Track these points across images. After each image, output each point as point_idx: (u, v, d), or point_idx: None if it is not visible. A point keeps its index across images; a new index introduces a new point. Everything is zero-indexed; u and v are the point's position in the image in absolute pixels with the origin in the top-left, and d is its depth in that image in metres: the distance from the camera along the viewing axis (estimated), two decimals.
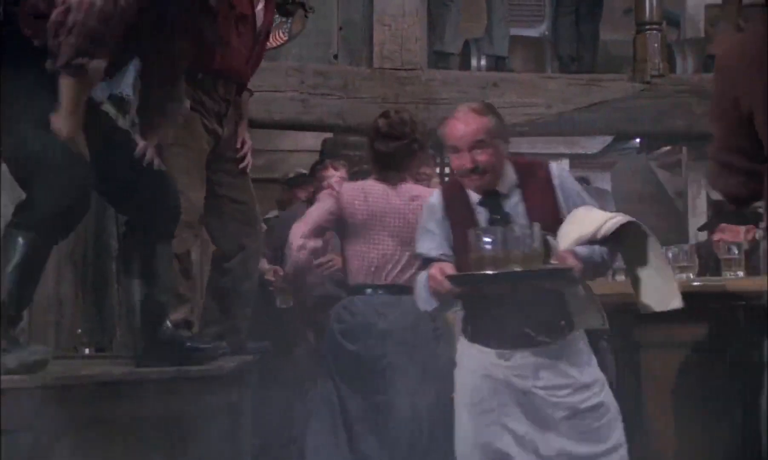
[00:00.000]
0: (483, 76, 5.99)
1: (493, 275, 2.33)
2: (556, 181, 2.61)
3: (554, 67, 6.49)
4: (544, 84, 5.78)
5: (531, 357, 2.49)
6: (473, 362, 2.58)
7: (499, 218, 2.54)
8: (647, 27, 5.76)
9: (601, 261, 2.50)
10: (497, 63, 6.35)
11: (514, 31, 6.75)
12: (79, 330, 4.10)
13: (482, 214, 2.59)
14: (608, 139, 7.78)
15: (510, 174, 2.61)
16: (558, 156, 7.68)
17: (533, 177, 2.62)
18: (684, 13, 7.40)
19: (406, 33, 5.59)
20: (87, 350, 3.96)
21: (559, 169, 2.70)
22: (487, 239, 2.35)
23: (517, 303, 2.46)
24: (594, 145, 8.25)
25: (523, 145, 5.92)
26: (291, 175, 5.44)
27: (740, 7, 6.28)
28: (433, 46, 6.17)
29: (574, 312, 2.52)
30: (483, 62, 6.48)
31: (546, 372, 2.49)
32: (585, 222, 2.49)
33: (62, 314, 4.19)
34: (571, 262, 2.37)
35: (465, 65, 6.38)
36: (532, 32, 7.54)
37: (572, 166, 7.88)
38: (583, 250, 2.44)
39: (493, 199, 2.59)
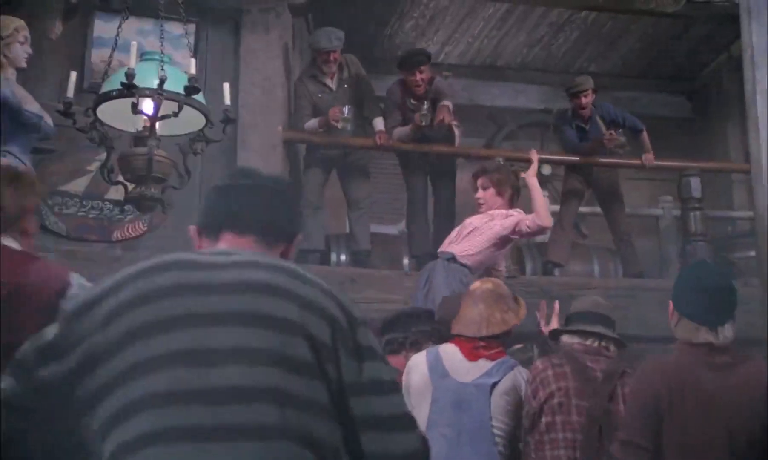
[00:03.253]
0: (342, 271, 6.08)
1: None
2: None
3: (412, 265, 6.57)
4: (401, 281, 5.90)
5: None
6: None
7: None
8: None
9: None
10: (357, 259, 6.46)
11: (374, 229, 6.92)
12: None
13: None
14: None
15: None
16: None
17: None
18: None
19: None
20: None
21: None
22: None
23: None
24: None
25: None
26: None
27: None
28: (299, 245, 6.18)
29: None
30: (343, 257, 6.57)
31: None
32: None
33: None
34: None
35: (325, 260, 6.47)
36: (391, 230, 7.74)
37: None
38: None
39: None
